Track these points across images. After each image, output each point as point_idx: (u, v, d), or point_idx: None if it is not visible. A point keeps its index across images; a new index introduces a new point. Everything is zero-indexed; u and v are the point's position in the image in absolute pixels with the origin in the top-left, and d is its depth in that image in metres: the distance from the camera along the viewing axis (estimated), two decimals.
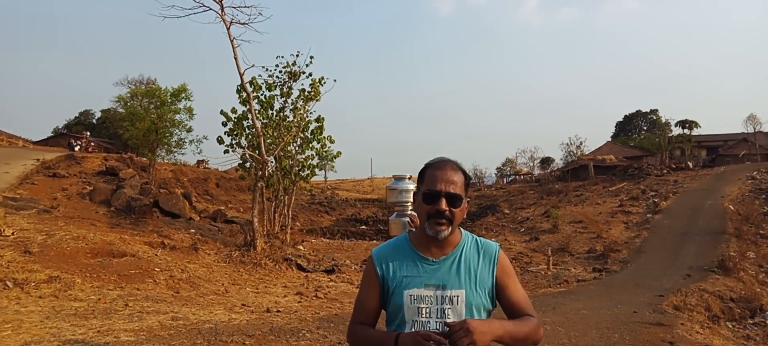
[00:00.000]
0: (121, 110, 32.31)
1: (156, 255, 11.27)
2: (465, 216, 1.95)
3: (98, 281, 8.90)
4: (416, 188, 1.99)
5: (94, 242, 11.00)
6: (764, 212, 22.80)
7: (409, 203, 7.55)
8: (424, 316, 1.85)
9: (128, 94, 27.23)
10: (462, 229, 2.02)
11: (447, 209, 1.85)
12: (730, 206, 23.77)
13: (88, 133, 37.09)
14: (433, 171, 1.91)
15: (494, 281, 1.93)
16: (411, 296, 1.86)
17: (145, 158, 25.29)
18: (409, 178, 9.22)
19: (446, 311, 1.84)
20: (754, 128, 51.69)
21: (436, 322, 1.83)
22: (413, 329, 1.82)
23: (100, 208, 15.60)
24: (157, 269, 10.11)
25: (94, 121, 57.23)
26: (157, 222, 15.66)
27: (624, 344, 7.55)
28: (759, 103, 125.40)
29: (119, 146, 37.43)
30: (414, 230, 6.90)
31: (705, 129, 57.31)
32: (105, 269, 9.50)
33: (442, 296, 1.85)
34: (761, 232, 19.74)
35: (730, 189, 28.37)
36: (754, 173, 32.63)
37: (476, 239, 2.00)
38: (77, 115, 60.14)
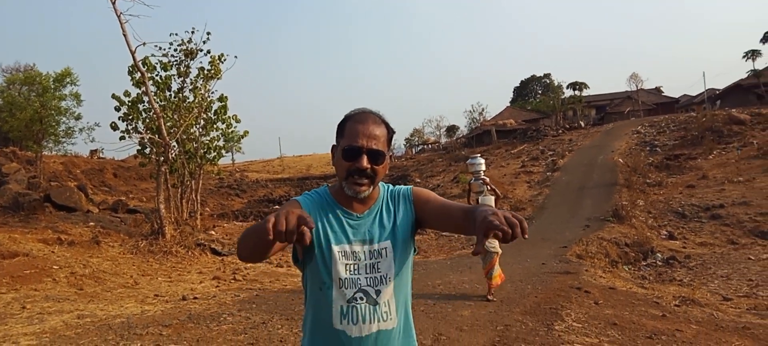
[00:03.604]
0: None
1: (53, 252, 10.44)
2: (387, 172, 1.79)
3: None
4: (335, 142, 1.80)
5: None
6: (650, 162, 24.86)
7: (482, 172, 7.99)
8: (353, 272, 1.73)
9: (4, 83, 24.81)
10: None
11: (368, 166, 1.70)
12: (620, 160, 25.70)
13: None
14: (353, 124, 1.73)
15: (414, 215, 1.84)
16: (340, 251, 1.73)
17: (30, 151, 23.26)
18: (480, 154, 10.14)
19: (376, 265, 1.75)
20: (637, 86, 56.07)
21: (367, 277, 1.73)
22: (343, 289, 1.71)
23: None
24: (55, 267, 9.37)
25: None
26: (50, 217, 14.47)
27: (537, 293, 7.95)
28: (639, 61, 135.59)
29: None
30: (491, 187, 6.80)
31: (593, 89, 61.18)
32: None
33: (370, 251, 1.75)
34: (648, 181, 21.52)
35: (619, 144, 30.64)
36: (639, 127, 35.43)
37: (391, 188, 1.90)
38: None
